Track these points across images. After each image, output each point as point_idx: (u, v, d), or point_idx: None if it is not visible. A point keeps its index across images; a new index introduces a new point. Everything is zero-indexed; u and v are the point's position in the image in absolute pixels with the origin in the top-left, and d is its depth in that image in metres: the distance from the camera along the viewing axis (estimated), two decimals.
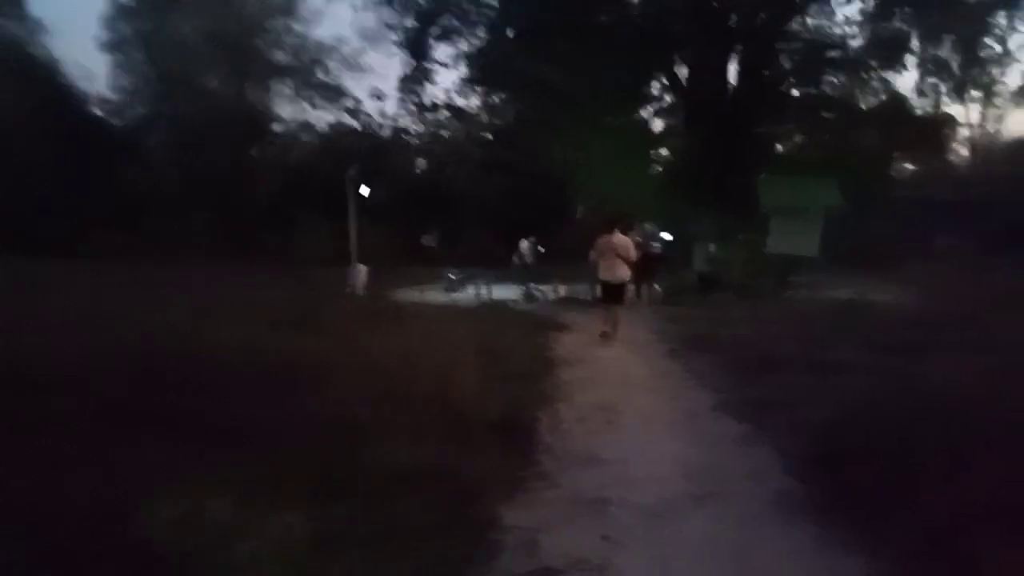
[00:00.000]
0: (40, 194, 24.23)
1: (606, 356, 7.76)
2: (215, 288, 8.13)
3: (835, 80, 21.18)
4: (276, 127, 37.67)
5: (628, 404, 5.46)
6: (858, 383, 5.74)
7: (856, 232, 17.52)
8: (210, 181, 27.65)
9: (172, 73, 32.19)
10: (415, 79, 25.04)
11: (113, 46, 33.96)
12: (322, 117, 39.81)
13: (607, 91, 18.04)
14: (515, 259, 16.40)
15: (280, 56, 35.32)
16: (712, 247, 14.69)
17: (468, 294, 16.26)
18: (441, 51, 23.34)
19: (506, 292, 15.55)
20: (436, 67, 25.93)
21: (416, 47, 22.36)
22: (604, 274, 9.32)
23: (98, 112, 34.01)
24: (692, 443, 4.62)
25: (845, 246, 16.52)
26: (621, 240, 9.22)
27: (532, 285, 14.98)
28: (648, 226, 15.75)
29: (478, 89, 26.24)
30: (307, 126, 37.17)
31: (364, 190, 16.13)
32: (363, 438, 3.66)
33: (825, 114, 21.69)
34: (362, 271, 15.16)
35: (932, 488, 3.36)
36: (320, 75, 35.69)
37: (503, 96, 27.25)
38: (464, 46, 22.32)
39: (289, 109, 36.74)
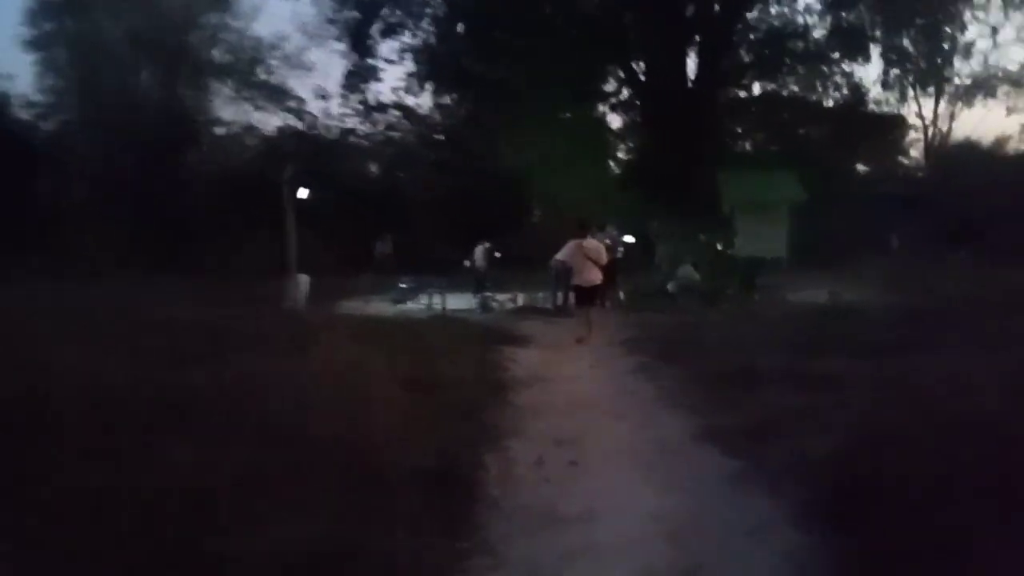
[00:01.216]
0: None
1: (567, 374, 6.85)
2: (110, 310, 6.94)
3: (796, 72, 20.89)
4: (217, 130, 36.00)
5: (594, 436, 4.53)
6: (858, 399, 4.96)
7: (815, 230, 17.15)
8: (135, 189, 25.88)
9: (96, 73, 30.34)
10: (359, 76, 23.81)
11: (36, 44, 31.97)
12: (265, 119, 38.18)
13: (560, 86, 17.24)
14: (467, 265, 15.37)
15: (216, 55, 33.66)
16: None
17: (420, 304, 15.22)
18: (386, 47, 22.21)
19: (461, 302, 14.56)
20: (382, 64, 24.81)
21: (358, 42, 21.17)
22: (576, 278, 9.49)
23: (23, 116, 32.07)
24: (673, 488, 3.72)
25: (805, 245, 16.10)
26: (592, 244, 9.49)
27: (487, 294, 13.99)
28: (610, 228, 15.05)
29: (427, 87, 25.18)
30: (250, 128, 35.54)
31: (302, 193, 14.92)
32: (222, 513, 2.64)
33: (784, 109, 21.38)
34: (303, 282, 13.93)
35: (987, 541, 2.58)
36: (261, 74, 34.12)
37: (453, 94, 26.25)
38: (410, 40, 21.26)
39: (230, 111, 35.08)
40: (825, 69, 20.96)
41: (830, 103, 22.70)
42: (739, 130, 23.25)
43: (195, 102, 34.64)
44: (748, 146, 23.63)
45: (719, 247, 14.52)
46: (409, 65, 22.75)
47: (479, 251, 15.01)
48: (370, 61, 24.06)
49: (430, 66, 22.20)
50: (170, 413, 3.51)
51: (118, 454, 3.04)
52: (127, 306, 7.54)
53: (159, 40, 31.07)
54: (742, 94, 21.95)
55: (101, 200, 26.65)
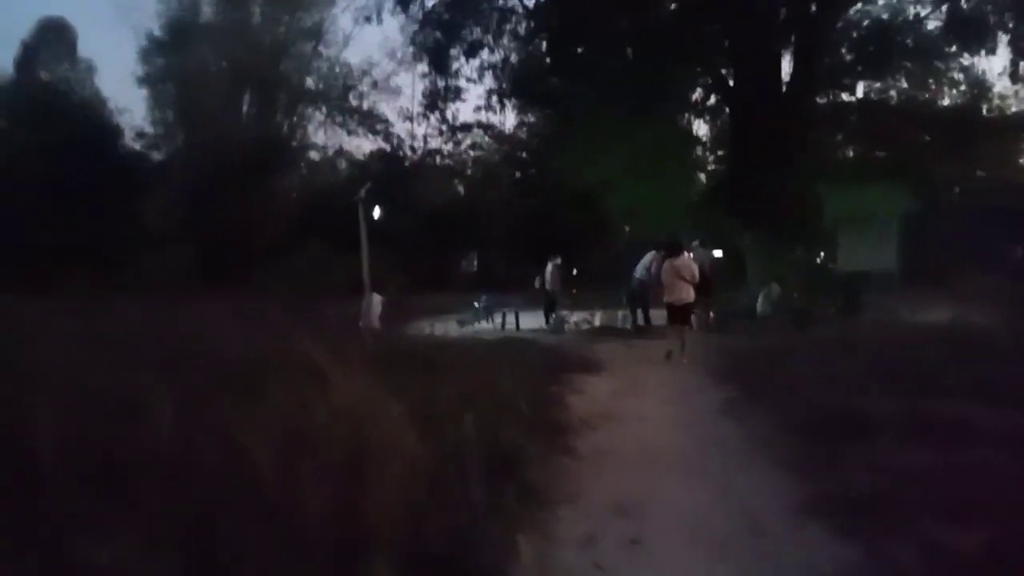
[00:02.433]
0: (59, 231, 23.89)
1: (641, 411, 6.00)
2: (142, 330, 6.75)
3: (905, 70, 18.90)
4: (312, 154, 37.33)
5: (666, 503, 3.71)
6: (1003, 459, 3.91)
7: (927, 244, 15.35)
8: (229, 212, 27.00)
9: (198, 103, 32.16)
10: (438, 95, 23.78)
11: (148, 80, 34.23)
12: (356, 143, 39.16)
13: (643, 97, 16.32)
14: (536, 284, 14.66)
15: (310, 82, 34.94)
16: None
17: (493, 324, 14.72)
18: (467, 66, 22.03)
19: (537, 321, 13.96)
20: (463, 83, 24.73)
21: (439, 61, 21.08)
22: (668, 296, 9.56)
23: (135, 147, 34.35)
24: None
25: (916, 259, 14.42)
26: (684, 262, 9.53)
27: (560, 313, 13.26)
28: (696, 244, 14.05)
29: (508, 104, 24.87)
30: (341, 152, 36.62)
31: (376, 212, 14.77)
32: None
33: (891, 112, 19.39)
34: (376, 301, 13.69)
35: None
36: (352, 100, 35.13)
37: (534, 111, 25.84)
38: (489, 57, 20.97)
39: (324, 136, 36.31)
40: (940, 65, 18.89)
41: (945, 103, 20.59)
42: (840, 136, 21.40)
43: (290, 129, 36.17)
44: (850, 153, 21.74)
45: (818, 262, 13.13)
46: (489, 83, 22.49)
47: (550, 268, 14.30)
48: (451, 81, 24.04)
49: (510, 83, 21.82)
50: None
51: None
52: (164, 326, 7.34)
53: (255, 70, 32.61)
54: (844, 96, 20.23)
55: (195, 222, 28.09)
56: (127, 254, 22.55)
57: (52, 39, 33.61)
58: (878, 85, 20.22)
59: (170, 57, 32.92)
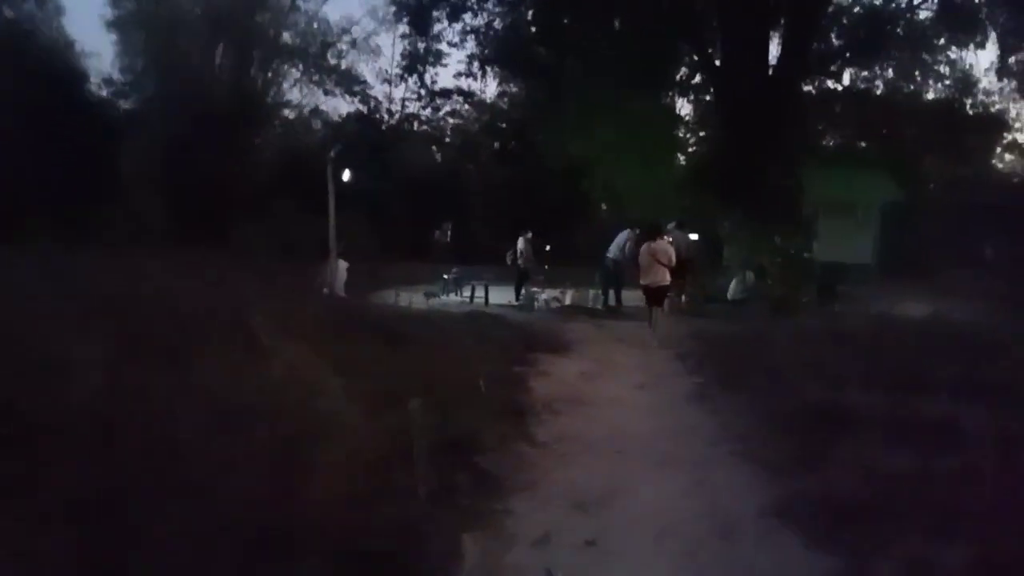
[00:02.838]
0: (21, 178, 22.90)
1: (610, 395, 5.71)
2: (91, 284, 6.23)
3: (894, 60, 18.58)
4: (287, 113, 36.21)
5: (629, 498, 3.41)
6: (993, 462, 3.68)
7: (904, 237, 15.28)
8: (198, 166, 26.05)
9: (169, 51, 30.93)
10: (419, 57, 22.95)
11: (117, 24, 32.81)
12: (334, 103, 38.04)
13: (628, 71, 15.84)
14: (509, 259, 14.29)
15: (287, 37, 33.72)
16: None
17: (462, 297, 14.33)
18: (451, 31, 21.22)
19: (508, 296, 13.61)
20: (445, 48, 23.95)
21: (419, 21, 20.23)
22: (644, 278, 9.66)
23: (104, 94, 33.02)
24: None
25: (893, 252, 14.32)
26: (662, 246, 9.68)
27: (531, 290, 12.91)
28: (672, 226, 13.79)
29: (489, 72, 24.14)
30: (316, 112, 35.59)
31: (346, 175, 14.20)
32: None
33: (877, 101, 19.14)
34: (342, 268, 13.21)
35: None
36: (331, 59, 34.02)
37: (516, 80, 25.16)
38: (473, 21, 20.18)
39: (302, 94, 35.21)
40: (928, 57, 18.62)
41: (931, 96, 20.37)
42: (825, 123, 21.10)
43: (264, 84, 34.97)
44: (834, 141, 21.50)
45: (793, 251, 12.93)
46: (472, 48, 21.72)
47: (521, 242, 13.91)
48: (432, 44, 23.23)
49: (493, 49, 21.09)
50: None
51: None
52: (115, 280, 6.82)
53: (230, 20, 31.37)
54: (830, 83, 19.90)
55: (164, 175, 27.13)
56: (92, 204, 21.65)
57: None
58: (865, 74, 19.93)
59: (141, 1, 31.61)
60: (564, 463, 3.80)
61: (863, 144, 20.92)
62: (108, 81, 33.50)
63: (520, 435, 4.08)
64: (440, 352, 5.31)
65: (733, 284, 13.00)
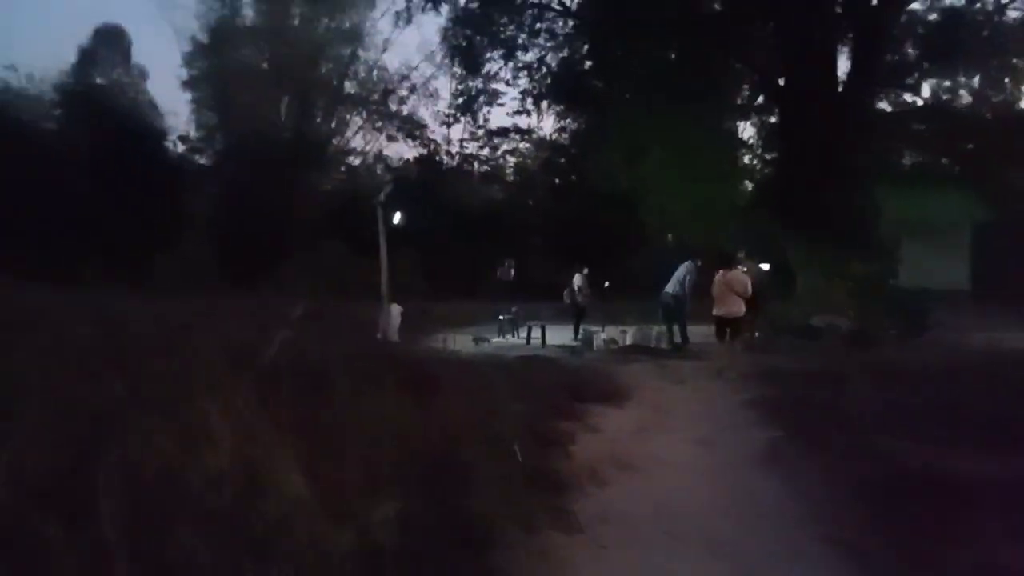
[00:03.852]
0: (96, 230, 24.06)
1: (665, 457, 5.01)
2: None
3: (978, 68, 17.13)
4: (352, 160, 37.19)
5: None
6: None
7: (999, 259, 13.80)
8: (260, 211, 26.80)
9: (237, 105, 32.30)
10: (472, 96, 22.93)
11: (191, 83, 34.58)
12: (395, 148, 38.81)
13: (688, 94, 15.18)
14: (567, 296, 13.67)
15: (348, 86, 34.76)
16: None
17: (518, 338, 13.80)
18: (505, 70, 21.14)
19: (566, 335, 13.00)
20: (501, 87, 23.95)
21: (469, 59, 20.22)
22: (717, 309, 9.68)
23: (180, 148, 34.74)
24: None
25: (991, 276, 12.92)
26: (737, 275, 9.68)
27: (588, 330, 12.23)
28: (741, 255, 12.94)
29: (547, 108, 23.96)
30: (380, 157, 36.41)
31: (397, 217, 14.04)
32: None
33: (961, 113, 17.65)
34: (395, 312, 12.92)
35: None
36: (391, 104, 34.83)
37: (573, 114, 24.85)
38: (525, 57, 20.03)
39: (360, 140, 36.17)
40: (1019, 63, 17.06)
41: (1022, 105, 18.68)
42: (904, 140, 19.63)
43: (328, 132, 36.07)
44: (913, 160, 19.97)
45: (873, 277, 11.80)
46: (524, 83, 21.54)
47: (578, 278, 13.28)
48: (488, 85, 23.21)
49: (547, 85, 20.86)
50: None
51: None
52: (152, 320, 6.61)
53: (294, 72, 32.59)
54: (907, 97, 18.55)
55: (228, 222, 28.09)
56: (156, 251, 22.58)
57: (107, 45, 34.34)
58: (947, 84, 18.48)
59: (211, 59, 33.22)
60: (602, 558, 3.15)
61: (945, 161, 19.32)
62: (183, 138, 35.24)
63: (553, 517, 3.45)
64: (475, 405, 4.75)
65: (808, 316, 11.97)
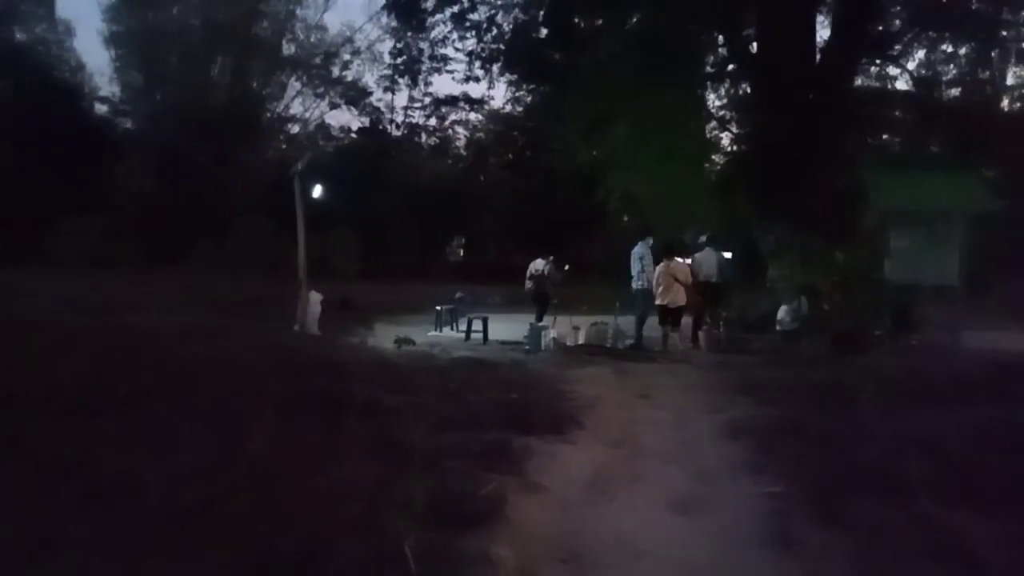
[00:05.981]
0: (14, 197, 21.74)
1: (636, 535, 3.46)
2: None
3: (967, 39, 15.84)
4: (292, 128, 34.87)
5: None
6: None
7: (992, 253, 12.80)
8: (189, 185, 24.75)
9: (166, 66, 29.82)
10: (413, 54, 20.78)
11: (115, 40, 31.82)
12: (339, 116, 36.68)
13: (651, 64, 13.64)
14: (528, 285, 11.96)
15: (287, 47, 32.24)
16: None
17: (458, 332, 12.13)
18: (445, 27, 19.13)
19: (513, 328, 11.23)
20: (449, 51, 21.98)
21: (408, 12, 17.96)
22: (661, 299, 9.95)
23: (104, 109, 32.18)
24: None
25: (982, 271, 11.95)
26: (679, 265, 10.09)
27: (537, 326, 10.62)
28: (703, 240, 11.69)
29: (500, 78, 22.10)
30: (322, 126, 34.13)
31: (317, 191, 12.21)
32: None
33: (947, 90, 16.50)
34: (315, 301, 11.16)
35: None
36: (333, 68, 32.45)
37: (525, 82, 23.10)
38: (472, 16, 18.09)
39: (301, 107, 33.84)
40: (1008, 34, 15.82)
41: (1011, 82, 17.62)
42: (887, 118, 18.28)
43: (266, 97, 33.69)
44: (899, 139, 18.75)
45: (859, 270, 10.56)
46: (471, 44, 19.48)
47: (540, 263, 11.64)
48: (437, 49, 21.24)
49: (496, 48, 18.97)
50: None
51: None
52: None
53: (227, 31, 30.09)
54: (891, 70, 17.14)
55: (155, 193, 26.15)
56: (81, 222, 20.62)
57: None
58: (933, 57, 17.22)
59: (136, 13, 30.55)
60: None
61: (934, 143, 18.05)
62: (103, 99, 32.57)
63: None
64: (359, 460, 3.15)
65: (782, 311, 10.70)
